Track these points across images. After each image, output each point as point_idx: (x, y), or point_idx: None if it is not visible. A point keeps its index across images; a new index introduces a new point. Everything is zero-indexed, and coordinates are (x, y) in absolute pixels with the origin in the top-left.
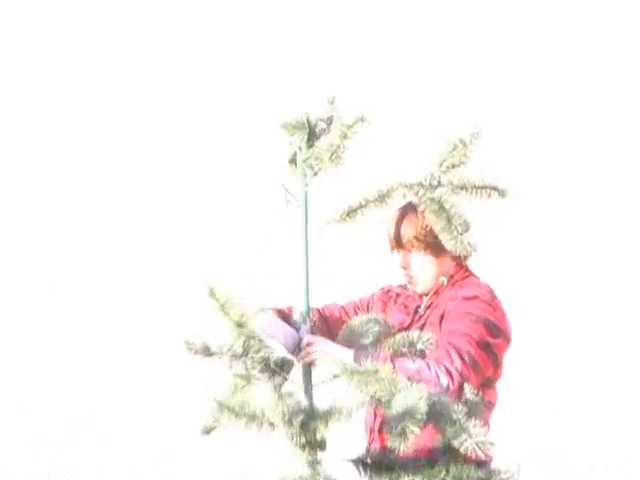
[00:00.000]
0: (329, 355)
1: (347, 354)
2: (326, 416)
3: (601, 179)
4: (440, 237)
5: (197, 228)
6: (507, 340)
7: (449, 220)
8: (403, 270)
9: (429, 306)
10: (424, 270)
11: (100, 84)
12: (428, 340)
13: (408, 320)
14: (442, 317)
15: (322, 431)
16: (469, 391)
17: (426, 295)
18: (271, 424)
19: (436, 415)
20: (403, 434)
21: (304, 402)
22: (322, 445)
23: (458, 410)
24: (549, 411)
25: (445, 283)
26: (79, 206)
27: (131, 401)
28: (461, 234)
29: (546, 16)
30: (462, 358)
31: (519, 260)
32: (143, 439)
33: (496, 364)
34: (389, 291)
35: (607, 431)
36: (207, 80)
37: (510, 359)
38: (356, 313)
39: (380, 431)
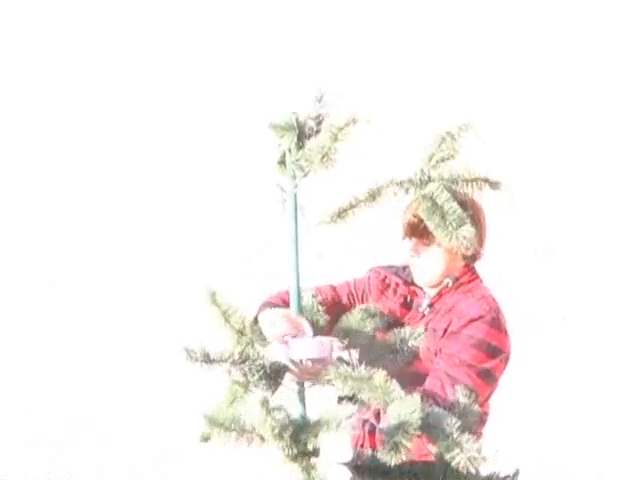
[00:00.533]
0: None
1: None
2: (316, 427)
3: (598, 172)
4: (435, 234)
5: (193, 229)
6: (507, 360)
7: (443, 216)
8: (410, 259)
9: (431, 305)
10: (432, 263)
11: (89, 88)
12: (420, 336)
13: (407, 314)
14: (445, 331)
15: (313, 442)
16: (462, 394)
17: (423, 291)
18: (261, 438)
19: (428, 427)
20: (395, 448)
21: (293, 414)
22: (316, 452)
23: (451, 423)
24: (548, 414)
25: (450, 285)
26: (77, 207)
27: (131, 401)
28: (456, 229)
29: (533, 13)
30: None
31: (515, 255)
32: (143, 439)
33: (494, 385)
34: (385, 278)
35: (607, 435)
36: (196, 80)
37: (509, 362)
38: (349, 299)
39: (371, 433)
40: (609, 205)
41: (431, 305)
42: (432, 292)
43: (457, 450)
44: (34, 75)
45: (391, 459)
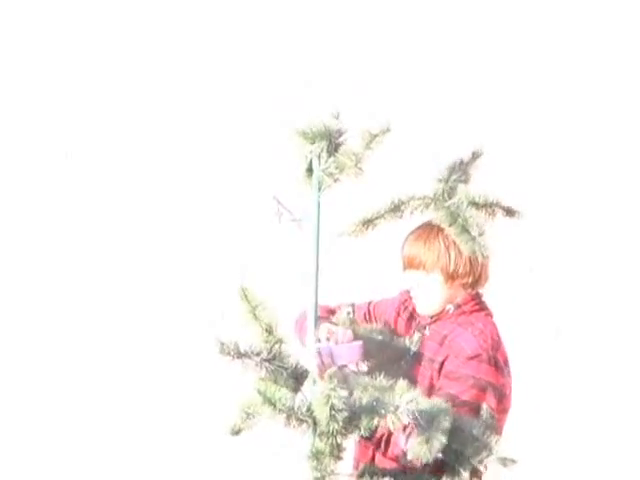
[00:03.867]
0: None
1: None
2: (372, 411)
3: (611, 195)
4: (457, 242)
5: (200, 235)
6: (501, 397)
7: (465, 224)
8: (411, 291)
9: (429, 325)
10: (431, 293)
11: (96, 89)
12: (417, 341)
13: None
14: (442, 365)
15: (366, 427)
16: (486, 412)
17: (431, 317)
18: (313, 421)
19: (456, 431)
20: (429, 442)
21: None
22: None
23: (479, 426)
24: (548, 412)
25: (451, 311)
26: (76, 215)
27: (131, 403)
28: (478, 236)
29: (560, 27)
30: None
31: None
32: (142, 442)
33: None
34: (406, 301)
35: (607, 432)
36: (196, 87)
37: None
38: (365, 318)
39: (377, 443)
40: (602, 218)
41: (430, 325)
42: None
43: (486, 452)
44: (33, 73)
45: (425, 453)
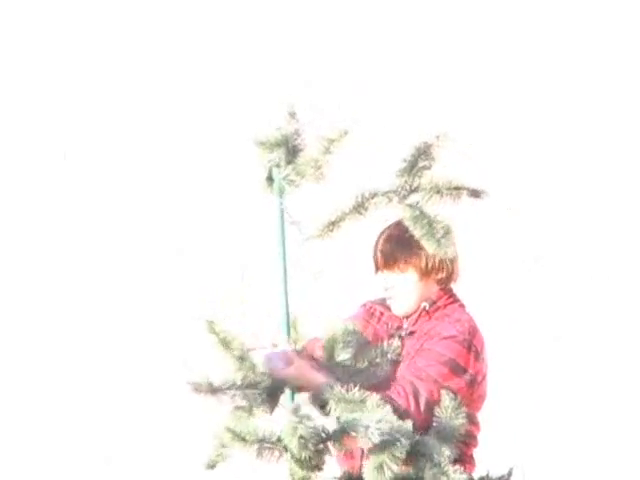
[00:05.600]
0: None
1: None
2: (341, 433)
3: (586, 181)
4: (421, 242)
5: (185, 247)
6: (472, 383)
7: (430, 224)
8: (385, 292)
9: (410, 332)
10: (406, 293)
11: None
12: (397, 348)
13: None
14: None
15: (338, 450)
16: (448, 397)
17: (406, 318)
18: (285, 448)
19: (417, 455)
20: (380, 469)
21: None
22: (319, 466)
23: (441, 452)
24: (544, 414)
25: (427, 308)
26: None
27: (130, 418)
28: (443, 237)
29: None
30: (417, 402)
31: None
32: (142, 456)
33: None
34: (371, 308)
35: (604, 435)
36: (203, 87)
37: (504, 362)
38: None
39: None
40: (598, 213)
41: (412, 333)
42: (413, 317)
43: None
44: (32, 74)
45: (375, 479)
